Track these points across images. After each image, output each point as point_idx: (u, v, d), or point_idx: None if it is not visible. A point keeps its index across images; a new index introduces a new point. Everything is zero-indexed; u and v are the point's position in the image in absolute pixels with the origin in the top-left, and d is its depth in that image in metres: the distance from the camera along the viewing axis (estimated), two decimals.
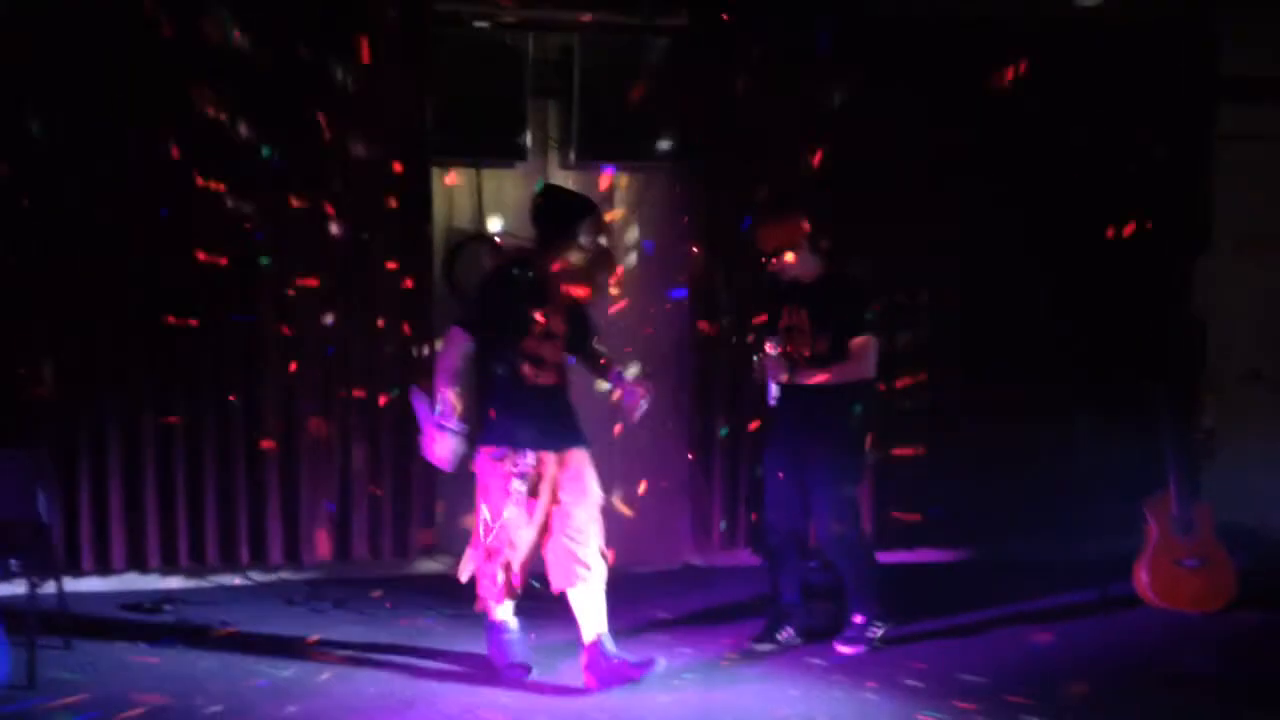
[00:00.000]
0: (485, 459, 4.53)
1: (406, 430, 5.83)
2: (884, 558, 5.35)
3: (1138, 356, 6.26)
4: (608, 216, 4.68)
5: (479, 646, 4.86)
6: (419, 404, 4.51)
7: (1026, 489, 6.28)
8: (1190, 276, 6.49)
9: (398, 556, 5.99)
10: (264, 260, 5.65)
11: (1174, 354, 6.31)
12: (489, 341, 4.49)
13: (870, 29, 6.08)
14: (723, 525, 6.22)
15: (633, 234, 6.27)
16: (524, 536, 4.53)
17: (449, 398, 4.43)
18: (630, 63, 5.96)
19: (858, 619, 4.96)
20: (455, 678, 4.69)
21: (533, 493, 4.50)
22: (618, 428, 5.60)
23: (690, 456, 6.19)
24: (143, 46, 5.45)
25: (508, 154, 5.96)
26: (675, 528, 6.30)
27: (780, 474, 4.97)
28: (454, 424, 4.42)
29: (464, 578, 4.64)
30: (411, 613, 5.50)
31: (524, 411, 4.48)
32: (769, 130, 6.04)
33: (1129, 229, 6.32)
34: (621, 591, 5.40)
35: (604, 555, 4.58)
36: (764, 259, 4.89)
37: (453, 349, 4.48)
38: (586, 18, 5.94)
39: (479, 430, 4.54)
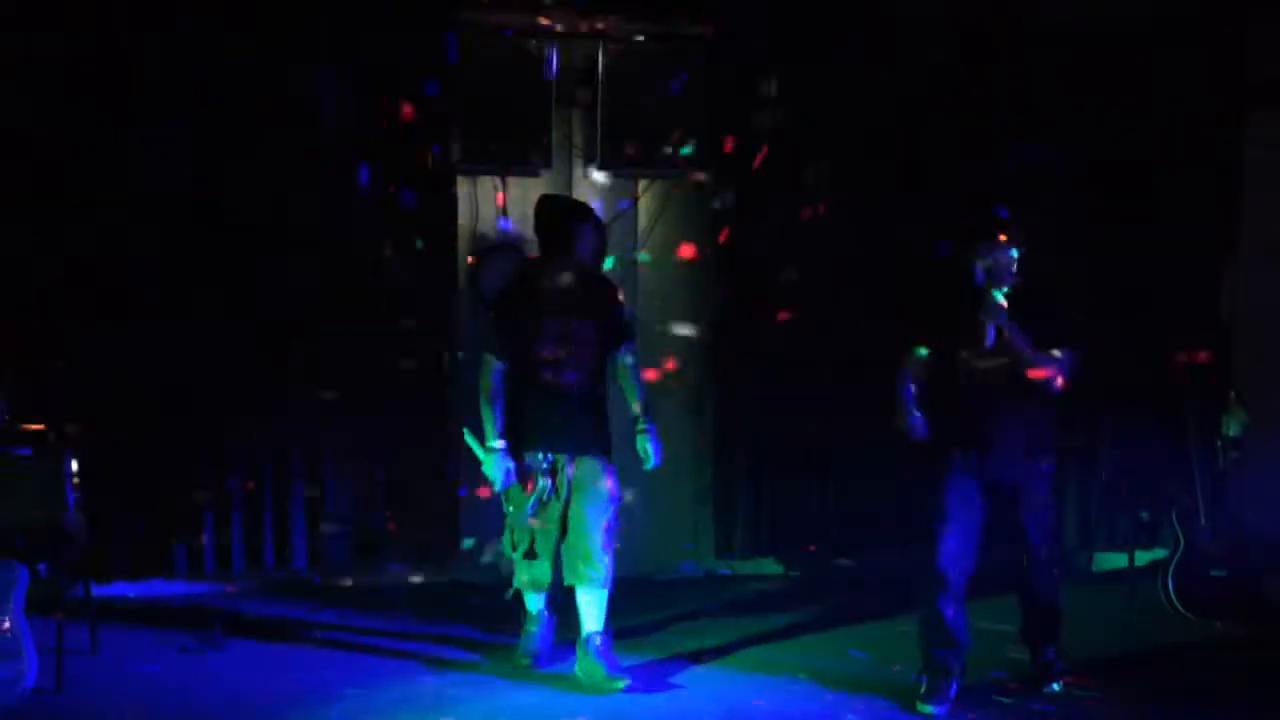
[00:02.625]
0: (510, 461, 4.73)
1: (431, 438, 5.89)
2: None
3: (1165, 363, 6.20)
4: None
5: (504, 653, 4.89)
6: (471, 439, 4.81)
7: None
8: (1219, 283, 6.43)
9: (422, 563, 6.00)
10: None
11: (1202, 359, 6.25)
12: (512, 352, 4.69)
13: (896, 34, 6.06)
14: (745, 533, 6.22)
15: (657, 241, 6.28)
16: (549, 534, 4.72)
17: (490, 417, 4.69)
18: (654, 72, 5.97)
19: (1053, 655, 4.70)
20: (481, 683, 4.71)
21: (551, 493, 4.70)
22: None
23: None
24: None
25: (533, 162, 5.98)
26: (698, 535, 6.30)
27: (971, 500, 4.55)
28: (498, 443, 4.67)
29: (508, 576, 4.91)
30: (436, 618, 5.51)
31: (539, 414, 4.67)
32: (792, 138, 6.03)
33: (1156, 234, 6.27)
34: (643, 597, 5.44)
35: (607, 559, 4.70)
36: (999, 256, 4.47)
37: (487, 372, 4.72)
38: (611, 27, 5.95)
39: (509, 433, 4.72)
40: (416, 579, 6.04)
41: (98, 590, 5.19)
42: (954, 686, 4.47)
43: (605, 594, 4.70)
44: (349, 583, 5.99)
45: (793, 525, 6.25)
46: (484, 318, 4.97)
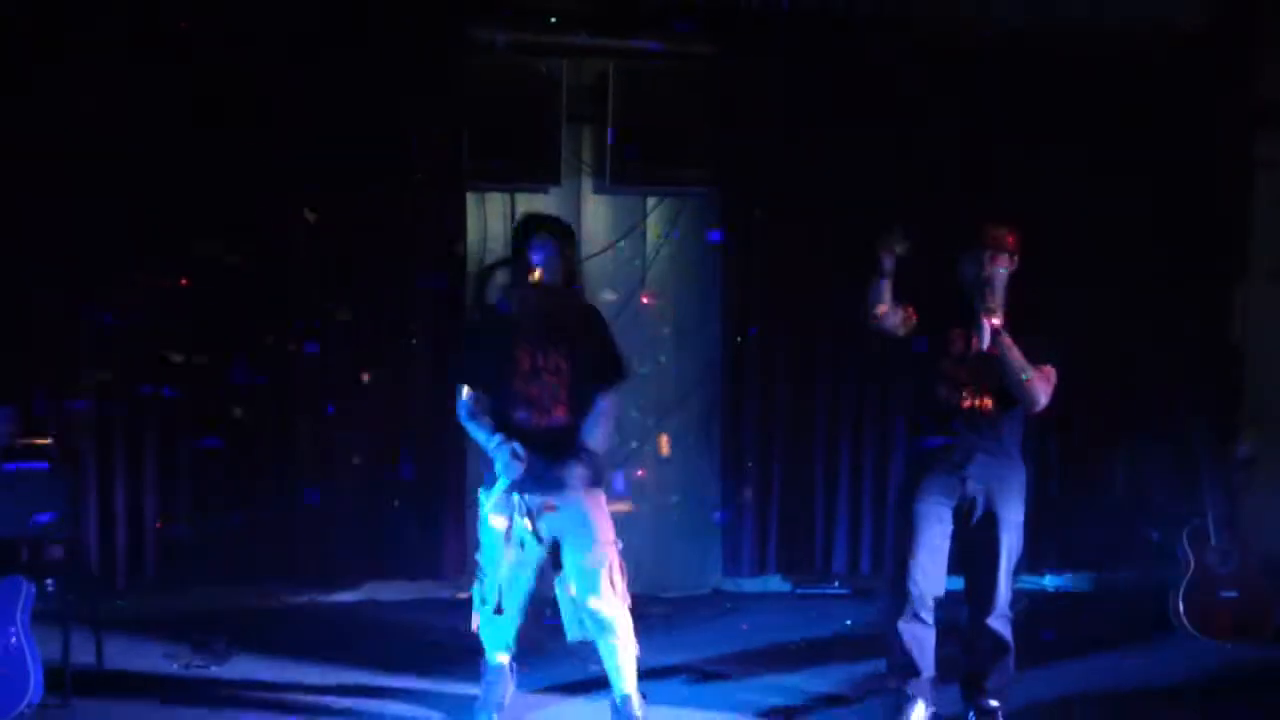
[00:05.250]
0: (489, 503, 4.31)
1: (441, 454, 5.89)
2: None
3: (1175, 385, 6.18)
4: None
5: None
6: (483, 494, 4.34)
7: (1061, 519, 6.21)
8: (1228, 305, 6.41)
9: (430, 580, 5.98)
10: None
11: (1212, 383, 6.23)
12: (485, 384, 4.30)
13: (904, 47, 6.05)
14: (753, 550, 6.20)
15: (665, 258, 6.27)
16: (520, 585, 4.33)
17: (476, 429, 4.29)
18: (665, 89, 5.97)
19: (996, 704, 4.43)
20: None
21: (525, 540, 4.26)
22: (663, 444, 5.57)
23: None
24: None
25: (542, 179, 5.97)
26: (705, 552, 6.28)
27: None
28: (495, 438, 4.18)
29: (475, 626, 4.46)
30: (444, 638, 5.49)
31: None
32: (802, 153, 6.03)
33: (1164, 256, 6.26)
34: (649, 615, 5.41)
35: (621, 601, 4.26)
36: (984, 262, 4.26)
37: (460, 403, 4.33)
38: (621, 45, 5.96)
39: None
40: (425, 594, 6.02)
41: (103, 604, 5.18)
42: (913, 712, 4.35)
43: (628, 648, 4.28)
44: (357, 598, 5.97)
45: (801, 543, 6.23)
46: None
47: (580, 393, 4.28)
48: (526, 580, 4.35)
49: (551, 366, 4.25)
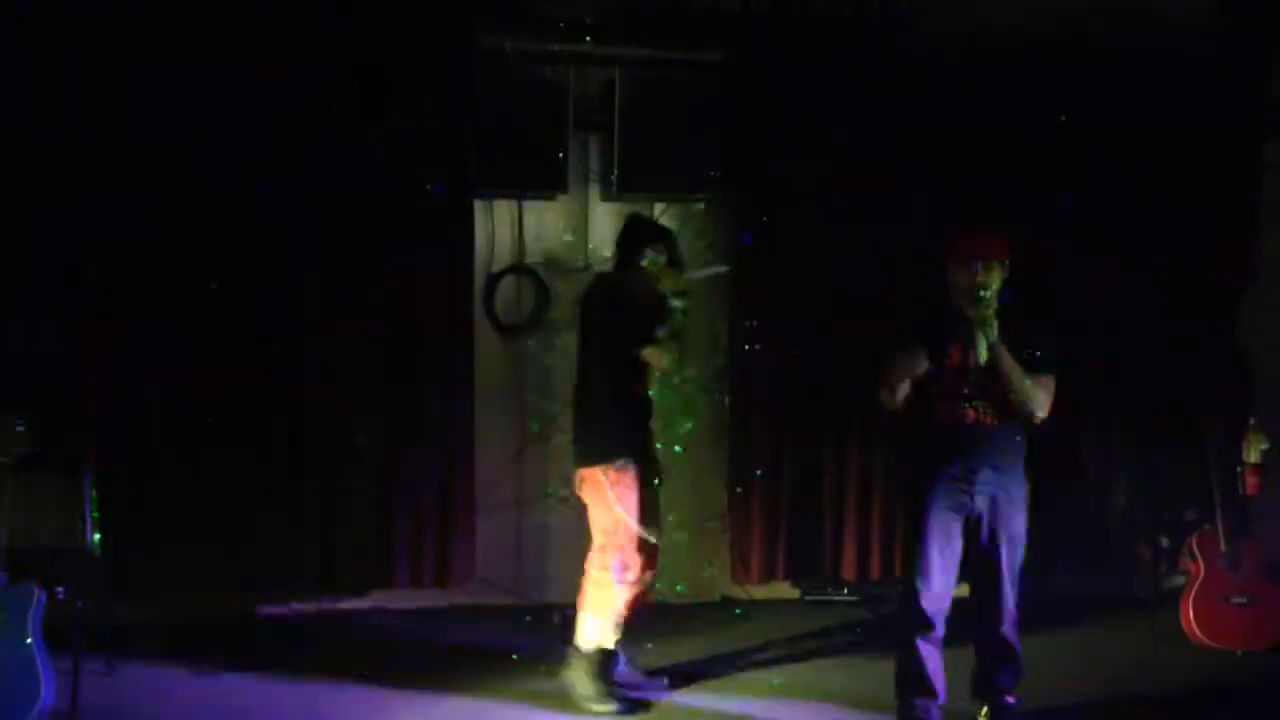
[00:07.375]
0: (613, 473, 4.66)
1: (451, 459, 5.90)
2: None
3: (1183, 389, 6.17)
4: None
5: (527, 679, 4.95)
6: None
7: (1068, 523, 6.20)
8: (1236, 307, 6.40)
9: (439, 586, 5.99)
10: None
11: (1220, 386, 6.22)
12: (607, 357, 4.78)
13: (903, 61, 6.06)
14: (761, 557, 6.19)
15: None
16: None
17: None
18: (671, 96, 5.99)
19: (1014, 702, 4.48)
20: (498, 709, 4.71)
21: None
22: None
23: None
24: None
25: (549, 186, 5.99)
26: (714, 559, 6.28)
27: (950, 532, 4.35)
28: None
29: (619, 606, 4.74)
30: (454, 643, 5.50)
31: (636, 420, 4.83)
32: (810, 162, 6.04)
33: (1172, 259, 6.25)
34: (658, 622, 5.41)
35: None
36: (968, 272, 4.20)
37: None
38: (627, 52, 5.98)
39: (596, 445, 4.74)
40: (434, 601, 6.03)
41: (113, 610, 5.20)
42: None
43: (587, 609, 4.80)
44: (367, 604, 5.98)
45: (809, 549, 6.22)
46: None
47: None
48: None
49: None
